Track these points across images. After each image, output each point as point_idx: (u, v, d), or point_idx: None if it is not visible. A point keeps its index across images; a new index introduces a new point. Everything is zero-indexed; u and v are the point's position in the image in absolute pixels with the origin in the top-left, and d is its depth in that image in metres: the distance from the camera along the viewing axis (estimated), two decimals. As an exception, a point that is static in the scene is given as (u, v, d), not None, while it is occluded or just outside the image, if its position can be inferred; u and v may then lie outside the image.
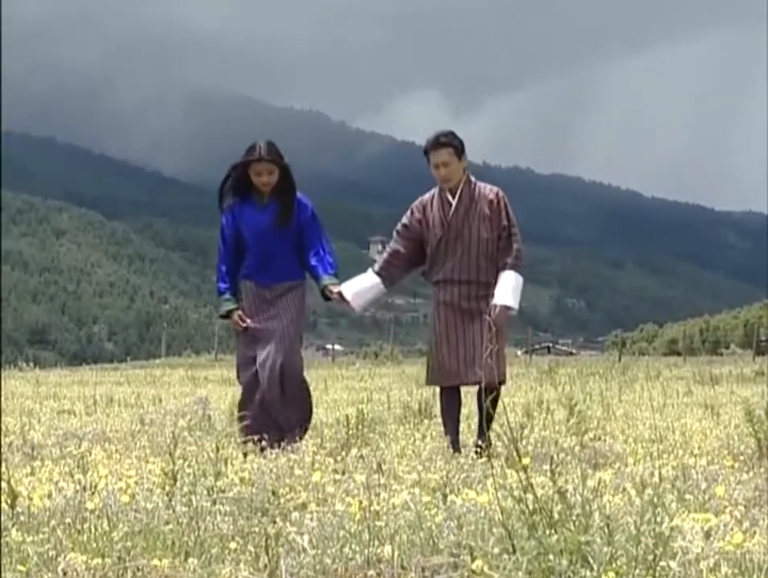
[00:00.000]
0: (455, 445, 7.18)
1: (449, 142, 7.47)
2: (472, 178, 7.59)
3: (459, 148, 7.48)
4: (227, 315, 7.88)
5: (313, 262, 7.88)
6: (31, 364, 30.35)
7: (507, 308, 7.41)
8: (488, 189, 7.57)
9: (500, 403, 7.24)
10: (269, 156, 7.73)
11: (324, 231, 8.08)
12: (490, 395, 6.99)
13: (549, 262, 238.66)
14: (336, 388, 17.19)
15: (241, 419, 7.62)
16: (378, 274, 7.71)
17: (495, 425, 7.17)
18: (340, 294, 7.70)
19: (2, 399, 13.22)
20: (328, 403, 12.93)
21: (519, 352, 51.69)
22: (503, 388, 7.52)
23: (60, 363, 45.74)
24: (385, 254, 7.80)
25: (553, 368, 22.55)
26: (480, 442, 6.89)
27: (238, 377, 8.01)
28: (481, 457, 6.48)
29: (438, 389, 7.61)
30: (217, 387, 17.84)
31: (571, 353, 60.87)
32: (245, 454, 6.91)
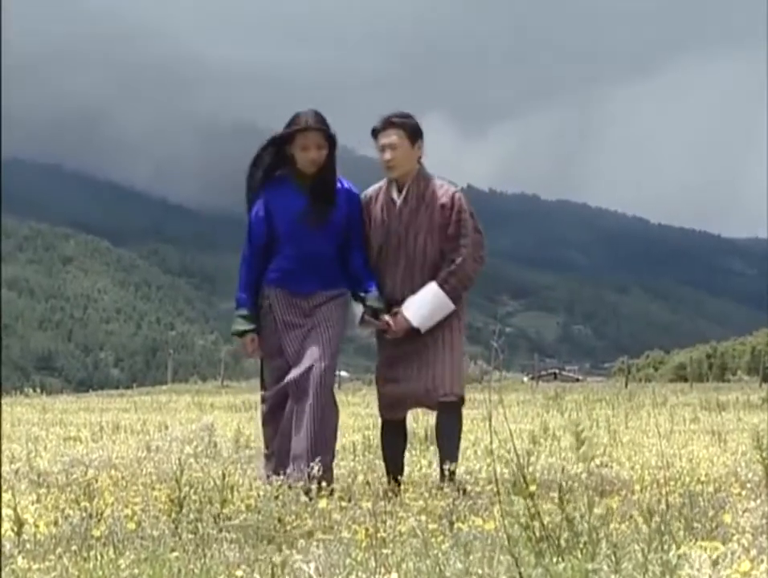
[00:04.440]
0: (395, 477, 6.45)
1: (400, 123, 6.24)
2: (428, 174, 6.31)
3: (413, 132, 6.25)
4: (241, 334, 6.49)
5: (361, 264, 6.38)
6: (38, 391, 30.37)
7: (408, 322, 6.20)
8: (442, 190, 6.23)
9: (463, 422, 6.47)
10: (318, 124, 6.22)
11: None
12: (445, 411, 6.31)
13: (555, 289, 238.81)
14: (342, 414, 17.13)
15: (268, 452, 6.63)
16: None
17: (502, 451, 7.03)
18: (397, 314, 6.24)
19: (9, 425, 13.22)
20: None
21: (525, 378, 51.72)
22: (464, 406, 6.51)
23: (66, 389, 45.84)
24: None
25: (560, 394, 22.56)
26: (445, 466, 6.04)
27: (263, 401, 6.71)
28: (452, 481, 5.87)
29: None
30: (223, 413, 17.80)
31: (578, 379, 60.82)
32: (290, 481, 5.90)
